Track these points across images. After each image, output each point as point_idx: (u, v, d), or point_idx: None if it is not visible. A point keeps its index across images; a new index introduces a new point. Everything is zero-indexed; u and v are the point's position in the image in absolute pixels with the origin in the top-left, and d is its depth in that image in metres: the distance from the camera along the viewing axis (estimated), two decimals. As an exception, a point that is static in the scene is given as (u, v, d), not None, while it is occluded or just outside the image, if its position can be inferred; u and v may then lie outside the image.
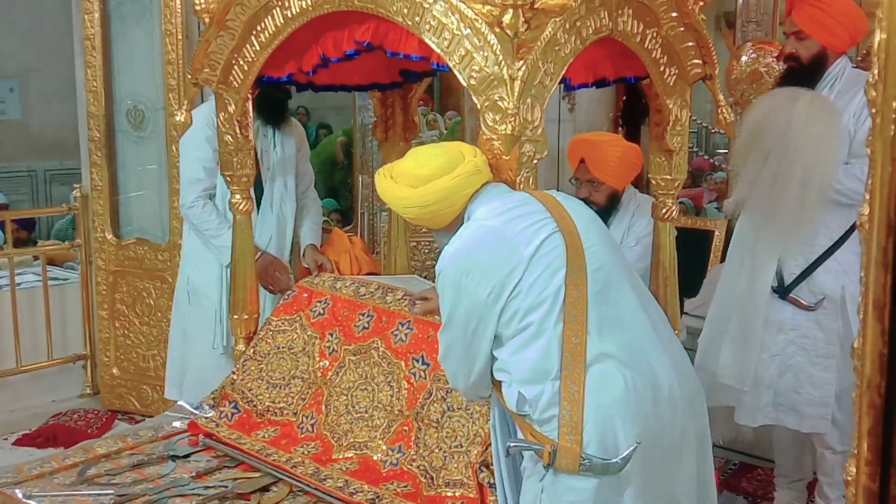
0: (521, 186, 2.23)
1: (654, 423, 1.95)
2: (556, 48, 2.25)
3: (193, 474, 2.63)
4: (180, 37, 4.69)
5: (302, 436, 2.80)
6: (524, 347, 1.96)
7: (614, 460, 1.88)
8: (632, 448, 1.88)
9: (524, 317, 1.96)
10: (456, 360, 2.11)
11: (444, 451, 2.49)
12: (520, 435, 2.02)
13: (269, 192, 3.58)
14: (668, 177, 2.84)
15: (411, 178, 2.19)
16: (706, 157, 6.66)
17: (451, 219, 2.20)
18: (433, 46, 2.32)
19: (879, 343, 1.08)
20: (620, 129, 5.51)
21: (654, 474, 1.97)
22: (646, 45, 2.57)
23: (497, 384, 2.08)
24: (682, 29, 2.62)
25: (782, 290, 3.30)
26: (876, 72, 1.07)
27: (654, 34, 2.58)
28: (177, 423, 3.00)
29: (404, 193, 2.20)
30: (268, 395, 2.94)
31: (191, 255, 3.66)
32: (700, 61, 2.71)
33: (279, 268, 3.48)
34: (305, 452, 2.72)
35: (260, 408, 2.92)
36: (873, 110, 1.07)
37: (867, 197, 1.10)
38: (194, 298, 3.63)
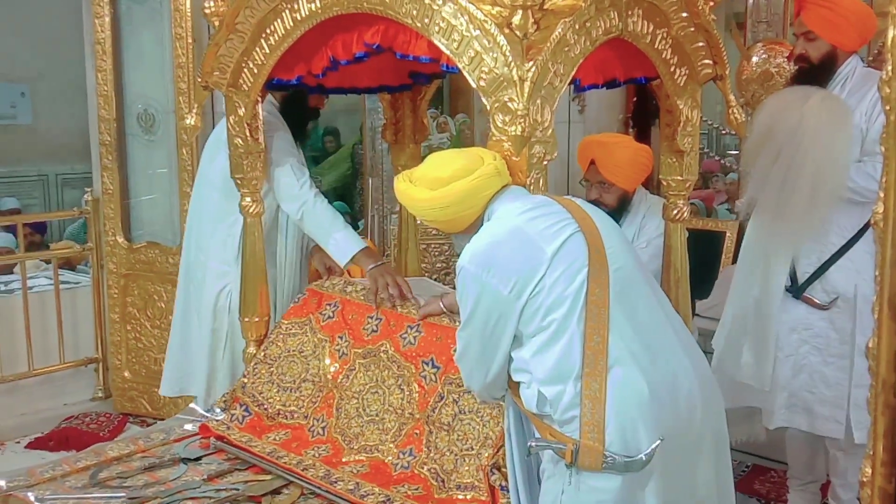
0: (532, 187, 2.23)
1: (674, 422, 1.95)
2: (566, 49, 2.24)
3: (205, 477, 2.63)
4: (190, 40, 4.71)
5: (313, 439, 2.80)
6: (546, 346, 1.96)
7: (637, 458, 1.88)
8: (655, 444, 1.88)
9: (546, 314, 1.96)
10: (473, 358, 2.11)
11: (456, 454, 2.48)
12: (537, 436, 2.02)
13: None
14: (679, 178, 2.84)
15: (431, 181, 2.20)
16: (717, 158, 6.64)
17: (469, 222, 2.21)
18: (442, 48, 2.32)
19: (895, 342, 1.07)
20: (631, 130, 5.50)
21: (674, 474, 1.97)
22: (656, 46, 2.57)
23: (514, 386, 2.08)
24: (692, 29, 2.62)
25: (796, 290, 3.29)
26: (889, 68, 1.06)
27: (665, 35, 2.57)
28: (188, 426, 3.00)
29: (424, 195, 2.21)
30: (278, 399, 2.94)
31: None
32: (710, 62, 2.70)
33: (400, 276, 3.07)
34: (316, 455, 2.71)
35: (271, 411, 2.92)
36: (887, 107, 1.06)
37: (881, 195, 1.09)
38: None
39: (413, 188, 2.24)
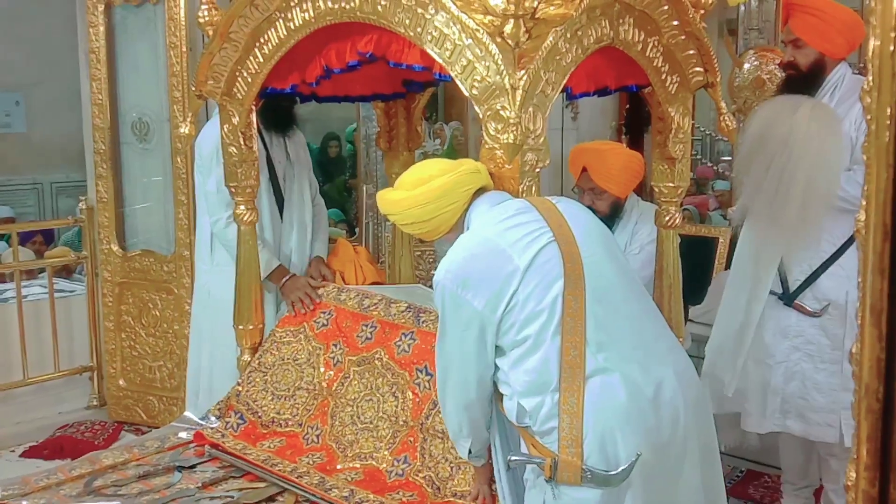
0: (524, 195, 2.24)
1: (656, 433, 1.94)
2: (558, 57, 2.26)
3: (199, 485, 2.64)
4: (184, 49, 4.72)
5: (307, 446, 2.81)
6: (523, 360, 1.96)
7: (615, 472, 1.87)
8: (633, 460, 1.87)
9: (521, 330, 1.96)
10: (455, 367, 2.09)
11: (451, 462, 2.49)
12: (523, 447, 2.02)
13: (290, 203, 3.49)
14: (671, 184, 2.85)
15: (411, 183, 2.22)
16: (710, 164, 6.66)
17: (451, 224, 2.21)
18: (435, 57, 2.33)
19: (877, 348, 1.09)
20: (624, 137, 5.52)
21: (656, 484, 1.96)
22: (647, 54, 2.58)
23: (499, 396, 2.08)
24: (683, 37, 2.63)
25: (787, 297, 3.30)
26: (870, 78, 1.08)
27: (656, 42, 2.59)
28: (183, 434, 3.01)
29: (401, 196, 2.23)
30: (273, 407, 2.95)
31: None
32: (701, 69, 2.71)
33: (308, 288, 3.18)
34: (311, 462, 2.72)
35: (265, 419, 2.93)
36: (868, 116, 1.08)
37: (864, 203, 1.11)
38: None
39: (392, 192, 2.27)
